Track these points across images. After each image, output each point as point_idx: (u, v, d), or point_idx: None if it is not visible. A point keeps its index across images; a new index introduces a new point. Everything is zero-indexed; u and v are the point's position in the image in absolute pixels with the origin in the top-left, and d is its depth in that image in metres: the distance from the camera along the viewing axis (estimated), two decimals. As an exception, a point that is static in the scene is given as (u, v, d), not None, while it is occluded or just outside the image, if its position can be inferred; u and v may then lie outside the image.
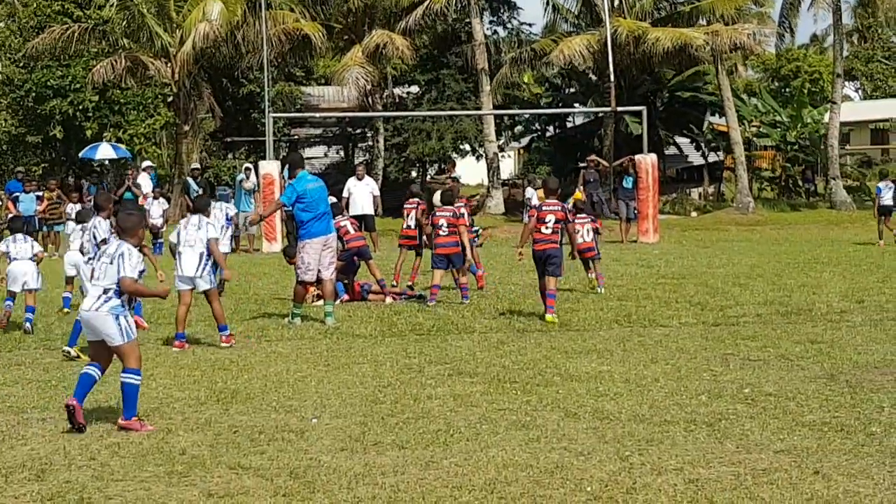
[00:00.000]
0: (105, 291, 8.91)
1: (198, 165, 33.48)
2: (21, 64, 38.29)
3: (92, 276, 9.26)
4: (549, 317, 14.32)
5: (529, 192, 30.50)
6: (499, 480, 7.19)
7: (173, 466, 7.60)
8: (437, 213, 16.96)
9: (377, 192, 28.82)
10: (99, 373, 9.02)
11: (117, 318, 8.86)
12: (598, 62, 38.23)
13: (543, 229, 14.72)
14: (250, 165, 30.62)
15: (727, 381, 10.32)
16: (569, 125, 50.16)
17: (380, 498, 6.86)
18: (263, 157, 31.99)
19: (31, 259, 14.67)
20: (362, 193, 28.19)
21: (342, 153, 52.22)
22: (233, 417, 9.13)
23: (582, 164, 33.06)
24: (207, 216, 13.64)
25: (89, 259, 10.30)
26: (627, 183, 30.07)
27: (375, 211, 28.50)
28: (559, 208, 14.84)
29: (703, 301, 15.99)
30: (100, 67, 34.81)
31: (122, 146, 36.03)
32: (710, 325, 13.88)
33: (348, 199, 28.15)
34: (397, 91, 45.50)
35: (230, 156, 44.11)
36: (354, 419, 9.00)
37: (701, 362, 11.31)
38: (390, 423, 8.86)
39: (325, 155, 52.79)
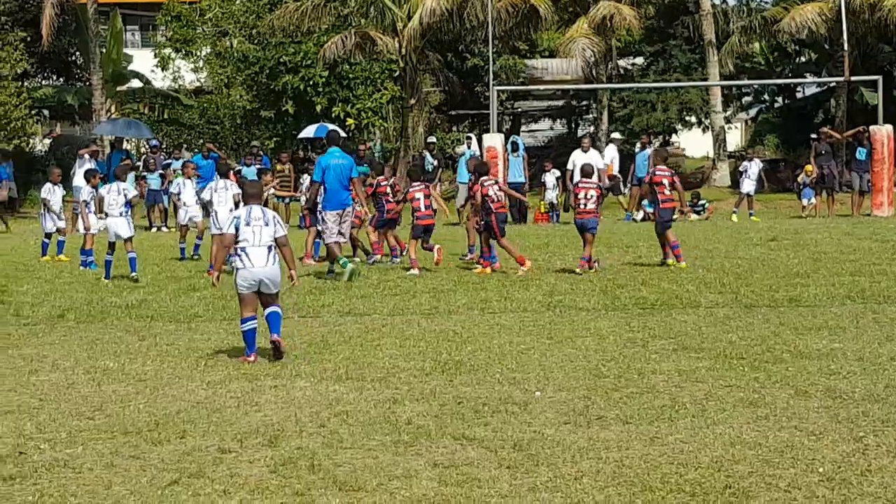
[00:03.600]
0: (269, 249, 10.52)
1: (433, 139, 33.88)
2: (256, 41, 39.57)
3: (253, 238, 10.56)
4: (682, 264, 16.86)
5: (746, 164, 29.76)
6: (726, 458, 7.06)
7: (399, 436, 7.75)
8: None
9: (601, 165, 28.61)
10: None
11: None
12: (831, 30, 36.88)
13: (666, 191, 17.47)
14: (471, 135, 30.79)
15: (969, 361, 9.86)
16: (798, 95, 48.66)
17: (603, 473, 6.83)
18: (487, 131, 32.15)
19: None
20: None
21: (566, 126, 52.09)
22: (457, 388, 9.24)
23: (813, 136, 31.98)
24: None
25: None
26: (861, 155, 28.99)
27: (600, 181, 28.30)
28: (669, 173, 17.80)
29: (943, 277, 15.30)
30: (330, 44, 35.66)
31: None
32: (950, 303, 13.28)
33: (572, 171, 28.06)
34: (622, 63, 45.03)
35: (454, 129, 44.56)
36: (578, 393, 8.98)
37: (940, 341, 10.84)
38: (614, 397, 8.81)
39: (550, 128, 52.79)
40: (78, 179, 27.80)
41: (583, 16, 39.14)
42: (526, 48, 45.34)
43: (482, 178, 17.51)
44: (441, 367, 10.13)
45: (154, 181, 29.18)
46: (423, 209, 17.96)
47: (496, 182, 17.80)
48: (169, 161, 30.68)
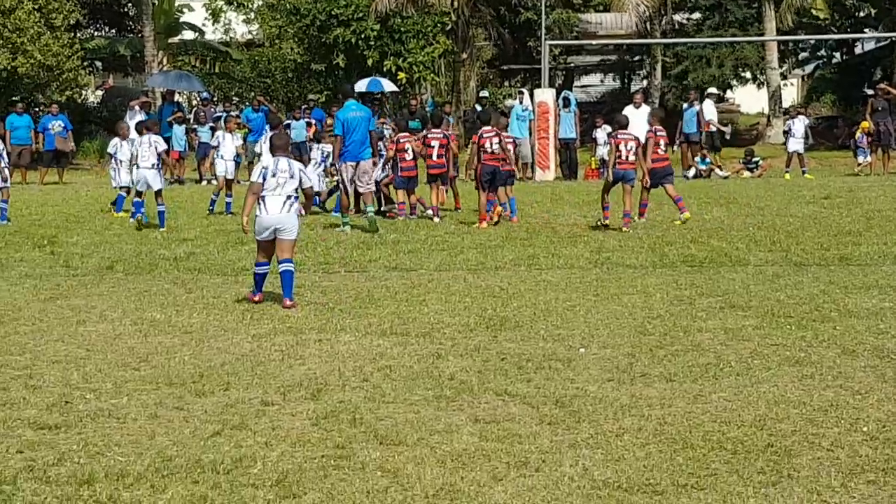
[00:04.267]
0: (287, 198, 11.09)
1: (486, 94, 33.70)
2: (308, -7, 39.50)
3: (275, 188, 11.11)
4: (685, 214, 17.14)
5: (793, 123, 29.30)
6: (769, 417, 7.01)
7: (442, 391, 7.75)
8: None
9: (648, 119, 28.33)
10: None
11: (296, 216, 11.27)
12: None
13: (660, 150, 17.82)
14: (523, 90, 30.62)
15: None
16: (857, 51, 47.91)
17: (646, 430, 6.80)
18: (539, 86, 31.97)
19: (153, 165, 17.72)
20: (640, 121, 27.77)
21: (619, 81, 51.66)
22: (501, 344, 9.22)
23: (870, 93, 31.49)
24: None
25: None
26: (919, 111, 28.56)
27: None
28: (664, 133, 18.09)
29: None
30: (383, -4, 35.57)
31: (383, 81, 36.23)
32: None
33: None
34: (677, 17, 44.51)
35: (506, 84, 44.33)
36: (622, 350, 8.94)
37: None
38: (659, 354, 8.76)
39: (602, 83, 52.39)
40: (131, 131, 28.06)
41: (637, -31, 38.72)
42: (579, 2, 44.93)
43: (482, 129, 17.77)
44: (486, 322, 10.11)
45: (205, 134, 29.26)
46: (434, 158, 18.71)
47: (497, 135, 17.74)
48: (220, 114, 30.76)
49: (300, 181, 11.25)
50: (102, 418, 7.21)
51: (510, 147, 18.70)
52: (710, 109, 30.44)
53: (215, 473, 6.16)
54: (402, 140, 18.91)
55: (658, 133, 17.80)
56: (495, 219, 17.44)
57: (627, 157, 17.07)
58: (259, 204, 11.10)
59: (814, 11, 42.92)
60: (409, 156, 18.65)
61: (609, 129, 29.35)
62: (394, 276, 12.96)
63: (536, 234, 16.45)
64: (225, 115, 29.27)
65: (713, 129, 29.86)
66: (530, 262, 13.83)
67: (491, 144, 17.43)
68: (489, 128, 17.75)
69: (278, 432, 6.88)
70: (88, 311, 10.98)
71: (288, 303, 10.98)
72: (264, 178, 11.11)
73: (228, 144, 20.80)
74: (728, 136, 30.03)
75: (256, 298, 11.25)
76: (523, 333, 9.66)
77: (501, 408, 7.34)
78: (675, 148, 30.15)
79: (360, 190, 17.55)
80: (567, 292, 11.66)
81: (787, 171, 27.97)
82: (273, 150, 11.50)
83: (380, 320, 10.28)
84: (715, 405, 7.31)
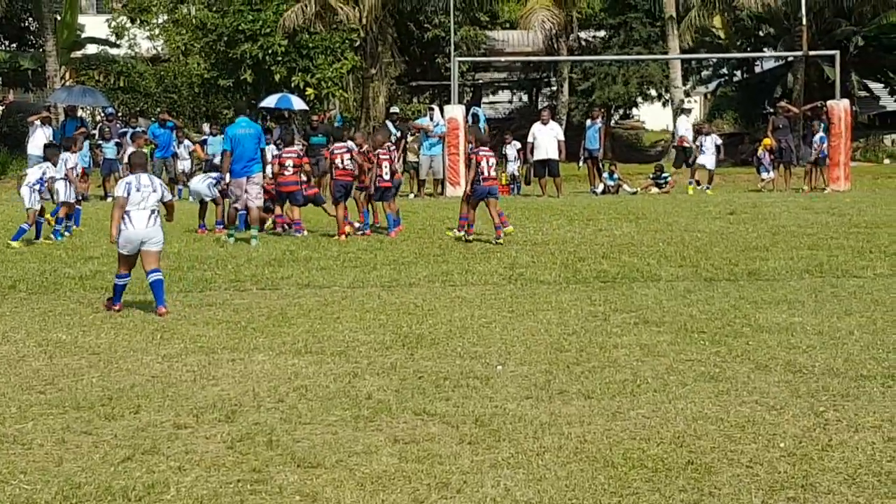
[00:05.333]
0: (152, 212, 11.60)
1: (397, 109, 33.67)
2: (214, 9, 39.12)
3: (140, 202, 11.60)
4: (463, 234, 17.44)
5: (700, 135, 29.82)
6: (688, 434, 7.01)
7: (360, 411, 7.63)
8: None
9: (562, 137, 28.54)
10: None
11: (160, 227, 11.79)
12: (790, 4, 36.99)
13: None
14: (434, 107, 30.64)
15: (929, 336, 9.86)
16: (757, 69, 48.78)
17: (566, 448, 6.75)
18: (448, 102, 32.00)
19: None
20: (547, 138, 27.98)
21: (526, 98, 51.98)
22: (417, 362, 9.13)
23: (771, 110, 32.07)
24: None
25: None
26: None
27: (559, 156, 28.24)
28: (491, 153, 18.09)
29: (901, 252, 15.34)
30: (290, 13, 35.38)
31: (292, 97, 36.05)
32: (909, 278, 13.30)
33: (533, 143, 27.98)
34: (583, 35, 44.96)
35: (415, 100, 44.34)
36: (539, 367, 8.90)
37: (900, 316, 10.84)
38: (576, 371, 8.73)
39: (510, 101, 52.67)
40: (32, 147, 27.55)
41: (543, -13, 39.05)
42: (487, 19, 45.14)
43: (334, 145, 18.95)
44: (401, 340, 10.02)
45: (109, 150, 28.83)
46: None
47: (349, 151, 18.70)
48: (125, 129, 30.28)
49: (161, 195, 11.80)
50: (7, 444, 6.97)
51: (389, 163, 19.18)
52: (683, 125, 30.64)
53: (126, 501, 5.98)
54: (283, 155, 19.15)
55: (482, 152, 17.83)
56: (348, 230, 18.09)
57: (489, 172, 17.64)
58: (125, 219, 11.54)
59: (714, 31, 43.68)
60: (287, 171, 18.84)
61: (518, 145, 29.58)
62: (307, 294, 12.80)
63: (449, 250, 16.40)
64: (132, 131, 28.83)
65: (686, 144, 30.02)
66: (444, 279, 13.76)
67: (342, 160, 18.37)
68: (341, 144, 18.86)
69: (192, 456, 6.70)
70: (-9, 332, 10.67)
71: (162, 310, 11.39)
72: (128, 194, 11.57)
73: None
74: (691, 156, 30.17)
75: (117, 307, 11.65)
76: (440, 351, 9.58)
77: (420, 427, 7.24)
78: (581, 164, 30.41)
79: (249, 204, 17.92)
80: (482, 309, 11.61)
81: (689, 183, 28.38)
82: (132, 168, 11.99)
83: (294, 339, 10.13)
84: (634, 422, 7.29)
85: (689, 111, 31.47)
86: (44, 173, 17.99)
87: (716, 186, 28.99)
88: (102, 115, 34.06)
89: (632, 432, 7.06)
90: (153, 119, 35.73)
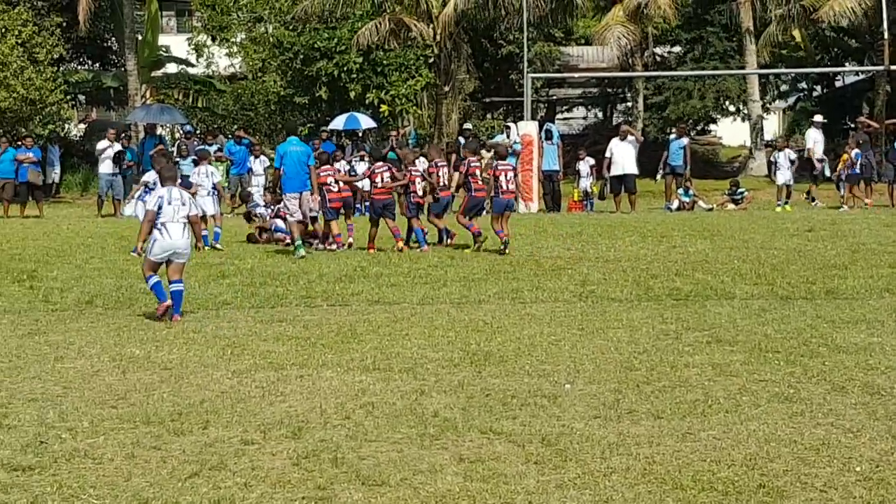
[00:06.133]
0: (184, 225, 12.26)
1: (470, 126, 33.70)
2: (291, 27, 39.48)
3: (173, 215, 12.23)
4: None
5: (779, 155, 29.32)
6: (760, 456, 6.88)
7: (426, 429, 7.59)
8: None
9: (635, 152, 28.32)
10: None
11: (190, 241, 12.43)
12: (871, 18, 36.48)
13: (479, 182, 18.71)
14: (510, 124, 30.62)
15: None
16: (837, 84, 48.12)
17: (634, 469, 6.66)
18: (522, 118, 31.94)
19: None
20: (625, 153, 27.82)
21: (601, 114, 51.79)
22: (485, 380, 9.08)
23: (851, 126, 31.56)
24: None
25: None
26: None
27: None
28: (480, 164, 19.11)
29: (985, 270, 14.99)
30: (365, 30, 35.59)
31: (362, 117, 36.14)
32: None
33: (610, 158, 27.85)
34: (658, 50, 44.68)
35: (489, 116, 44.34)
36: (609, 386, 8.81)
37: (982, 336, 10.59)
38: (646, 391, 8.62)
39: (584, 117, 52.50)
40: (104, 166, 28.38)
41: (619, 3, 38.87)
42: (561, 35, 45.03)
43: (470, 159, 18.90)
44: (469, 357, 9.97)
45: (187, 167, 29.10)
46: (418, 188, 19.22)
47: (389, 168, 19.03)
48: (203, 147, 30.61)
49: (189, 209, 12.40)
50: (78, 459, 7.03)
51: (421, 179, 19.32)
52: (815, 137, 29.65)
53: (193, 516, 6.00)
54: (375, 171, 19.08)
55: (500, 166, 18.37)
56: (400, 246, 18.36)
57: (508, 186, 18.17)
58: (162, 230, 12.15)
59: (793, 44, 43.17)
60: (332, 187, 19.23)
61: (592, 161, 29.44)
62: (376, 310, 12.81)
63: (520, 266, 16.33)
64: (216, 146, 29.21)
65: (815, 157, 29.32)
66: (514, 296, 13.70)
67: (381, 178, 18.62)
68: (381, 163, 19.34)
69: (258, 473, 6.71)
70: (66, 347, 10.79)
71: (178, 318, 12.10)
72: (160, 207, 12.19)
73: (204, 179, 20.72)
74: (825, 170, 29.43)
75: (166, 304, 12.12)
76: (508, 369, 9.52)
77: (486, 446, 7.19)
78: (659, 179, 30.13)
79: (298, 219, 18.54)
80: (551, 326, 11.53)
81: (779, 205, 27.97)
82: (163, 181, 12.75)
83: (362, 355, 10.13)
84: (704, 443, 7.17)
85: (819, 123, 30.06)
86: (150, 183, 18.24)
87: (795, 203, 28.60)
88: (181, 132, 34.48)
89: (702, 454, 6.95)
90: (230, 136, 36.09)
